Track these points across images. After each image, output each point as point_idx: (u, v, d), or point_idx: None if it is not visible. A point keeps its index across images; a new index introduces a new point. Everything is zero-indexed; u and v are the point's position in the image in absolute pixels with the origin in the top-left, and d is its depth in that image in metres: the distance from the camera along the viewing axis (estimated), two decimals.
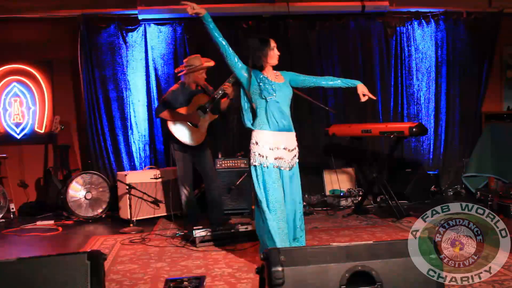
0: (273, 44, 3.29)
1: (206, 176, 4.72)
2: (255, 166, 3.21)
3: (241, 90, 3.31)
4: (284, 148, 3.21)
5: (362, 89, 3.50)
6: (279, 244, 3.04)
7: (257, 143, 3.21)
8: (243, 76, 3.26)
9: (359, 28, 6.26)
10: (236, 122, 5.62)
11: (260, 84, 3.21)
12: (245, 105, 3.29)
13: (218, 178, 4.87)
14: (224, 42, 3.20)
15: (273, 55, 3.29)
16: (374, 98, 3.50)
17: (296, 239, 3.29)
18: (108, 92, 5.95)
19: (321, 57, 6.22)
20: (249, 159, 3.27)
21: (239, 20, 6.04)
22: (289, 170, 3.24)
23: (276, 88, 3.23)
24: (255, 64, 3.25)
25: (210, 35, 3.20)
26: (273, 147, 3.19)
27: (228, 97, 4.52)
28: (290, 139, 3.27)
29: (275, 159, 3.18)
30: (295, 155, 3.29)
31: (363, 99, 3.48)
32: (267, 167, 3.17)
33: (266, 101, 3.20)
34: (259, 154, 3.19)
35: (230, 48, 3.22)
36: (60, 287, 1.84)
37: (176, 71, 4.83)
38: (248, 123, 3.27)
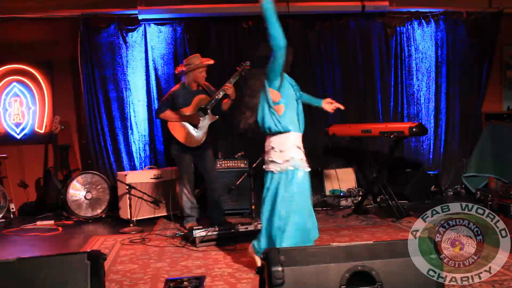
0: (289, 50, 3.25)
1: (207, 177, 4.73)
2: (289, 170, 3.06)
3: (264, 93, 3.12)
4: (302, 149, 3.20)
5: (327, 102, 3.50)
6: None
7: (285, 147, 3.09)
8: (278, 77, 3.11)
9: (359, 28, 6.26)
10: (242, 123, 5.60)
11: (293, 86, 3.22)
12: (270, 107, 3.11)
13: (218, 178, 4.87)
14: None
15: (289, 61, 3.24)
16: (342, 107, 3.48)
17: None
18: (108, 92, 5.95)
19: (321, 57, 6.22)
20: (271, 162, 3.12)
21: (239, 20, 6.04)
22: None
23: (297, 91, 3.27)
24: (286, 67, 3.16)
25: (270, 25, 2.84)
26: (299, 149, 3.16)
27: (229, 97, 4.52)
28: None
29: (301, 160, 3.13)
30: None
31: (331, 108, 3.46)
32: (299, 169, 3.07)
33: (297, 103, 3.20)
34: (290, 157, 3.07)
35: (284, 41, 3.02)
36: (60, 287, 1.83)
37: (176, 72, 4.83)
38: (279, 126, 3.09)
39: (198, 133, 4.58)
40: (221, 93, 4.50)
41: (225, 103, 4.60)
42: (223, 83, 4.59)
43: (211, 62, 4.66)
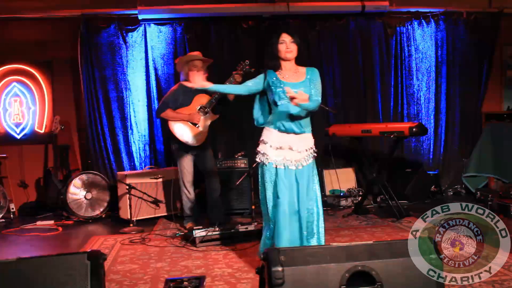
0: (283, 37, 3.17)
1: (207, 176, 4.73)
2: (258, 163, 3.25)
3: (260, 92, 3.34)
4: (289, 148, 3.18)
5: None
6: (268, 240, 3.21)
7: (263, 141, 3.24)
8: (262, 83, 3.25)
9: (359, 28, 6.26)
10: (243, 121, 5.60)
11: (272, 87, 3.18)
12: (256, 103, 3.36)
13: (218, 178, 4.87)
14: (243, 89, 3.28)
15: (282, 50, 3.17)
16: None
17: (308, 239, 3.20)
18: (108, 92, 5.94)
19: (321, 57, 6.21)
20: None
21: (239, 20, 6.04)
22: (296, 169, 3.17)
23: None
24: (268, 64, 3.22)
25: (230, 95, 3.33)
26: (278, 146, 3.19)
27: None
28: (298, 140, 3.21)
29: (278, 157, 3.16)
30: (305, 157, 3.22)
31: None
32: (266, 165, 3.18)
33: (277, 106, 3.18)
34: (263, 152, 3.21)
35: (248, 87, 3.26)
36: (60, 287, 1.83)
37: (176, 66, 4.84)
38: (258, 123, 3.36)
39: (198, 132, 4.58)
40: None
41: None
42: (223, 83, 4.58)
43: (209, 59, 4.68)
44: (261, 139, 3.26)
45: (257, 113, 3.35)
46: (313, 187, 3.22)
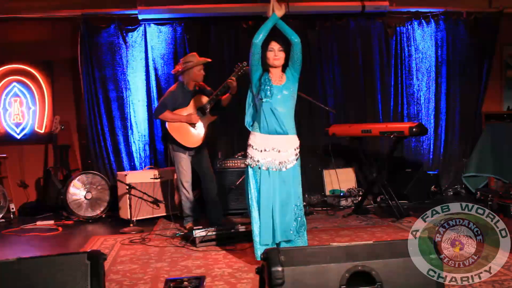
0: (272, 45, 3.32)
1: (204, 176, 4.72)
2: (247, 166, 3.40)
3: (249, 92, 3.47)
4: (273, 149, 3.31)
5: None
6: (257, 238, 3.31)
7: (250, 145, 3.41)
8: (260, 64, 3.35)
9: (359, 28, 6.26)
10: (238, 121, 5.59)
11: (262, 83, 3.32)
12: (249, 106, 3.49)
13: (218, 178, 4.86)
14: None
15: (270, 57, 3.33)
16: None
17: (290, 241, 3.34)
18: (108, 92, 5.94)
19: (321, 57, 6.21)
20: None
21: (239, 20, 6.04)
22: (281, 171, 3.31)
23: (274, 91, 3.29)
24: (263, 66, 3.36)
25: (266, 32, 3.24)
26: (262, 148, 3.33)
27: (230, 92, 4.52)
28: (283, 141, 3.33)
29: (263, 160, 3.32)
30: (290, 158, 3.33)
31: None
32: (253, 168, 3.35)
33: (262, 102, 3.32)
34: (250, 156, 3.38)
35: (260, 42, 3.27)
36: (60, 287, 1.84)
37: (173, 72, 4.82)
38: (248, 125, 3.49)
39: (196, 134, 4.58)
40: (219, 92, 4.50)
41: (224, 98, 4.60)
42: (222, 83, 4.58)
43: (208, 60, 4.66)
44: (248, 143, 3.43)
45: (249, 117, 3.49)
46: (298, 189, 3.38)
